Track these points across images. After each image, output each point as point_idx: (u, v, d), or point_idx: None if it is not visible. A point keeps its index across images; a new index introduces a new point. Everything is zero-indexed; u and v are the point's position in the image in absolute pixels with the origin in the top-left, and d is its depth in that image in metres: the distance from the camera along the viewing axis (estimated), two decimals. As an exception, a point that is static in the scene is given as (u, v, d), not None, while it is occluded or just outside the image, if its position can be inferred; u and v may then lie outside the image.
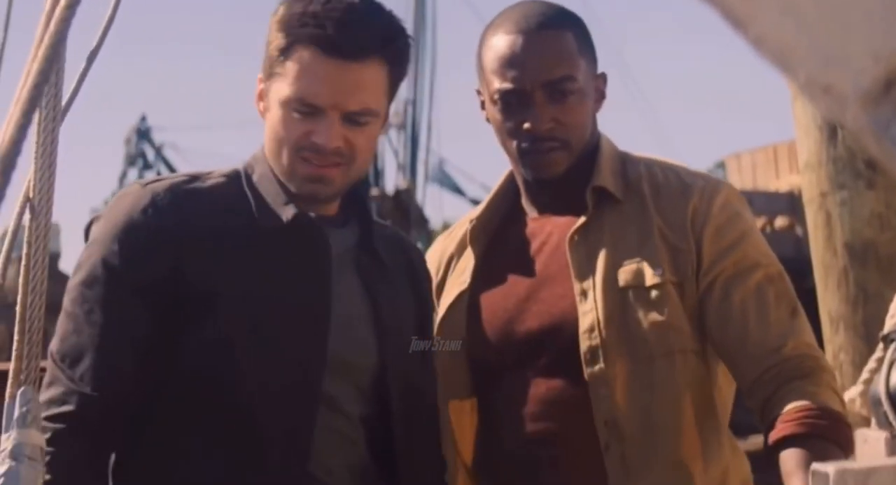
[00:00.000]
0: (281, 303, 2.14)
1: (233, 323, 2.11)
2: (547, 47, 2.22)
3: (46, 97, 1.40)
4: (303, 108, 2.13)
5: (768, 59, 0.69)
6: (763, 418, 2.09)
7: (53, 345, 2.06)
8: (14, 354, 1.42)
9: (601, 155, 2.29)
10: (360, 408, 2.21)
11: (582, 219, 2.25)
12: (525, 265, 2.30)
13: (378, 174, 27.05)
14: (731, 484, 2.23)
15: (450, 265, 2.42)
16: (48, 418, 2.03)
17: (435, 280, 2.43)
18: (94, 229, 2.15)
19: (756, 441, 2.17)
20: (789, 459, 1.98)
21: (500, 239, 2.37)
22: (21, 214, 1.47)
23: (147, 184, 2.15)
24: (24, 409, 1.40)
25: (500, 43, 2.24)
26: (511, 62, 2.22)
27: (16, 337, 1.42)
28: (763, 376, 2.10)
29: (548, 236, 2.30)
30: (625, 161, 2.32)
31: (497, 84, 2.23)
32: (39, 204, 1.43)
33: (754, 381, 2.12)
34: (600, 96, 2.32)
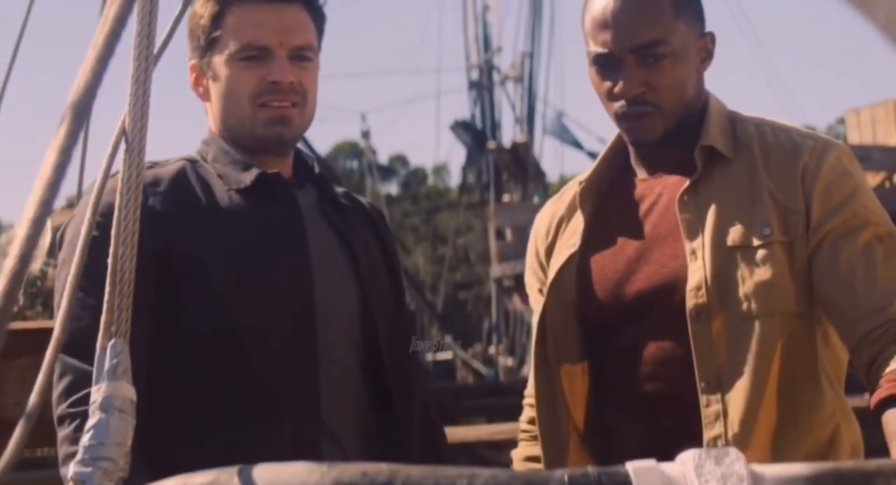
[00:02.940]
0: (264, 257, 2.21)
1: (222, 285, 2.17)
2: (637, 10, 2.19)
3: (141, 24, 1.36)
4: (252, 52, 2.26)
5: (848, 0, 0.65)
6: (868, 378, 2.04)
7: None
8: (105, 306, 1.40)
9: (709, 114, 2.26)
10: (352, 355, 2.27)
11: (692, 179, 2.22)
12: (635, 226, 2.28)
13: (495, 127, 26.99)
14: (840, 446, 2.18)
15: (560, 228, 2.42)
16: (70, 406, 2.08)
17: (545, 243, 2.44)
18: (70, 228, 2.23)
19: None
20: (893, 419, 1.92)
21: (609, 201, 2.36)
22: (115, 148, 1.41)
23: (112, 175, 2.21)
24: (115, 361, 1.38)
25: (595, 4, 2.22)
26: (602, 25, 2.20)
27: (107, 289, 1.40)
28: (868, 336, 2.05)
29: (657, 197, 2.28)
30: (734, 121, 2.29)
31: (591, 46, 2.22)
32: (133, 138, 1.38)
33: (859, 340, 2.06)
34: (707, 56, 2.27)
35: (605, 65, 2.21)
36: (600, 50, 2.20)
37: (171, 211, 2.21)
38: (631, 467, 1.12)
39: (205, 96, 2.35)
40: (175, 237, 2.18)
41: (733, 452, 1.12)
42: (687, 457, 1.12)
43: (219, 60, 2.28)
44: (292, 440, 2.13)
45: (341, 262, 2.32)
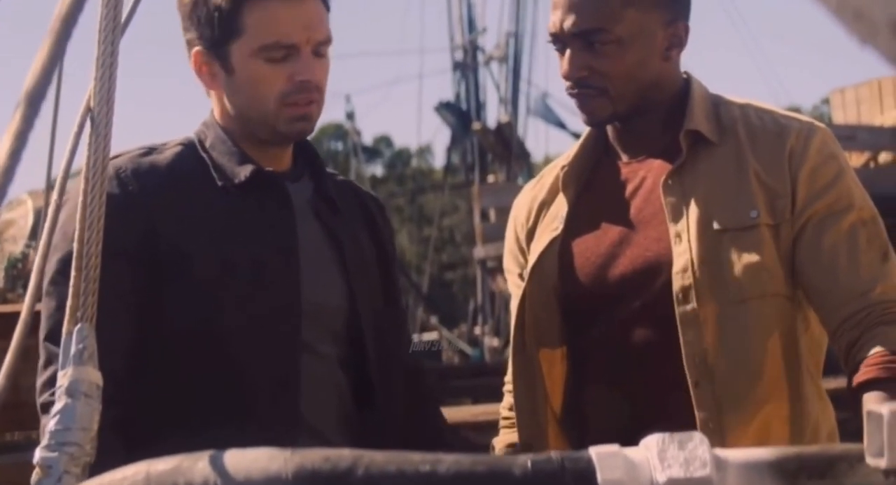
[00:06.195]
0: (251, 254, 2.20)
1: (208, 279, 2.17)
2: None
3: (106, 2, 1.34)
4: (279, 52, 2.21)
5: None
6: (847, 362, 2.05)
7: (41, 330, 2.12)
8: (70, 291, 1.39)
9: (692, 99, 2.26)
10: (336, 351, 2.27)
11: (677, 162, 2.22)
12: (618, 210, 2.27)
13: (480, 108, 26.94)
14: (820, 431, 2.19)
15: (540, 212, 2.40)
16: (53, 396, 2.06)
17: (525, 228, 2.42)
18: (63, 212, 2.19)
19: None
20: (871, 398, 1.93)
21: (592, 184, 2.35)
22: (80, 127, 1.40)
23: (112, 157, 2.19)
24: (81, 346, 1.38)
25: None
26: (554, 5, 2.23)
27: (72, 273, 1.40)
28: (849, 320, 2.06)
29: (641, 181, 2.27)
30: (718, 104, 2.29)
31: (548, 26, 2.24)
32: (99, 118, 1.37)
33: (840, 324, 2.07)
34: (676, 43, 2.25)
35: (555, 44, 2.23)
36: (551, 30, 2.23)
37: (162, 201, 2.19)
38: (594, 451, 1.11)
39: (212, 84, 2.29)
40: (163, 228, 2.17)
41: (697, 436, 1.12)
42: (651, 441, 1.12)
43: (238, 54, 2.22)
44: (268, 439, 2.12)
45: (330, 259, 2.30)
